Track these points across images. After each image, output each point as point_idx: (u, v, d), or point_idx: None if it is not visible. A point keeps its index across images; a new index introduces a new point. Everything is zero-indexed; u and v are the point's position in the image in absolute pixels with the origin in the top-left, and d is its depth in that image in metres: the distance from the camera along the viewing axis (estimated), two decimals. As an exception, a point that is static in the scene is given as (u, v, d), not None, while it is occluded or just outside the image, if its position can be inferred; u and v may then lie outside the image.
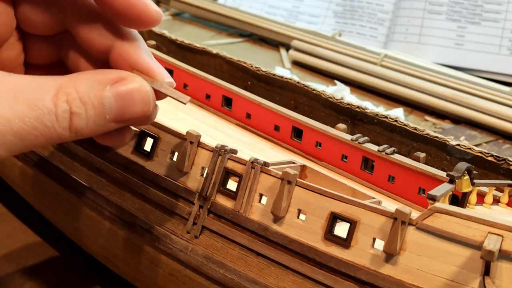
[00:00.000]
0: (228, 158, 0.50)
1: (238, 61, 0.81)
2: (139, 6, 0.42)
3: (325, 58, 1.33)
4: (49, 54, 0.48)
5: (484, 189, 0.58)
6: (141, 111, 0.42)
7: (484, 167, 0.62)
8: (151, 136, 0.54)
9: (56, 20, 0.45)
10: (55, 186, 0.61)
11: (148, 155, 0.54)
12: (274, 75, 0.78)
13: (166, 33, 0.89)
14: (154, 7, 0.43)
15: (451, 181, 0.53)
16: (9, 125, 0.37)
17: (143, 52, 0.44)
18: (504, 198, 0.59)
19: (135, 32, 0.45)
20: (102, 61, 0.46)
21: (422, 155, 0.61)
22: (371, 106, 1.13)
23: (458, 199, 0.55)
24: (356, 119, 0.71)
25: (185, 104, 0.44)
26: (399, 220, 0.42)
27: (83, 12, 0.45)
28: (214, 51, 0.84)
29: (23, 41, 0.47)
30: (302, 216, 0.47)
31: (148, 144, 0.55)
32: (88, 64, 0.48)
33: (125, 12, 0.42)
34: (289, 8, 1.64)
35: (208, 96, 0.77)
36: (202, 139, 0.52)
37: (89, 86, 0.40)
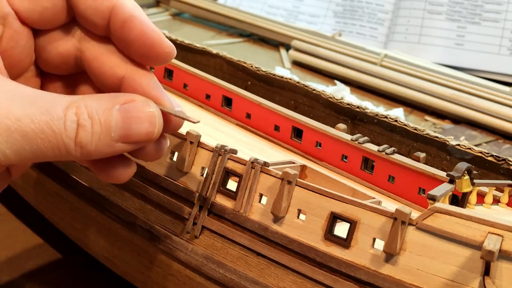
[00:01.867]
0: (228, 158, 0.50)
1: (238, 61, 0.81)
2: (153, 36, 0.44)
3: (325, 58, 1.33)
4: (63, 92, 0.49)
5: (484, 189, 0.58)
6: (146, 131, 0.43)
7: (484, 167, 0.62)
8: (151, 136, 0.54)
9: (72, 50, 0.47)
10: (56, 186, 0.61)
11: (148, 155, 0.54)
12: (274, 75, 0.78)
13: (166, 33, 0.89)
14: (168, 41, 0.44)
15: (451, 181, 0.53)
16: (18, 123, 0.38)
17: (155, 83, 0.45)
18: (504, 198, 0.59)
19: (155, 79, 0.46)
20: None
21: (422, 155, 0.61)
22: (371, 106, 1.13)
23: (458, 199, 0.55)
24: (356, 119, 0.71)
25: (195, 123, 0.45)
26: (399, 220, 0.42)
27: (99, 44, 0.46)
28: (214, 51, 0.84)
29: (40, 79, 0.48)
30: (302, 216, 0.47)
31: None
32: None
33: (139, 41, 0.44)
34: (289, 8, 1.64)
35: (208, 96, 0.77)
36: (202, 139, 0.52)
37: (99, 104, 0.41)
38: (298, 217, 0.47)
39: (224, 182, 0.50)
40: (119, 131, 0.42)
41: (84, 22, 0.46)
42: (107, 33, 0.45)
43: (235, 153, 0.51)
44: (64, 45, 0.46)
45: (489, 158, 0.62)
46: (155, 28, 0.44)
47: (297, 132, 0.69)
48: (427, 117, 1.17)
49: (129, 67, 0.45)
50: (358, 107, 0.71)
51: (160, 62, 0.45)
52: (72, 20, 0.46)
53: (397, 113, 1.14)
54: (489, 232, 0.40)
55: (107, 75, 0.46)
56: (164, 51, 0.44)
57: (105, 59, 0.46)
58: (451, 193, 0.53)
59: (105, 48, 0.46)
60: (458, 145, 0.64)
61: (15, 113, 0.38)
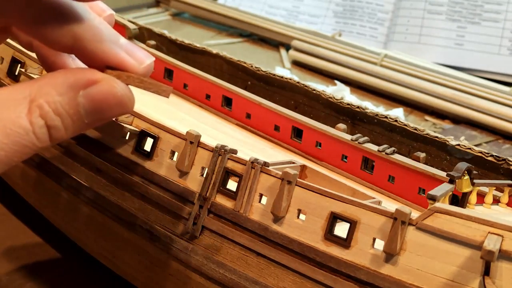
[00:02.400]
0: (228, 158, 0.50)
1: (238, 61, 0.81)
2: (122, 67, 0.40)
3: (325, 58, 1.33)
4: None
5: (484, 189, 0.58)
6: (119, 113, 0.41)
7: (484, 167, 0.62)
8: (151, 136, 0.54)
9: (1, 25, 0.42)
10: (55, 186, 0.61)
11: (148, 155, 0.54)
12: (274, 75, 0.78)
13: (166, 33, 0.89)
14: (139, 65, 0.40)
15: (451, 181, 0.53)
16: None
17: (109, 44, 0.40)
18: (504, 198, 0.59)
19: (98, 20, 0.41)
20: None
21: (422, 155, 0.61)
22: (371, 106, 1.13)
23: (458, 199, 0.55)
24: (356, 119, 0.71)
25: (167, 97, 0.42)
26: (399, 220, 0.42)
27: (32, 14, 0.40)
28: (214, 51, 0.84)
29: None
30: (302, 216, 0.47)
31: (148, 144, 0.55)
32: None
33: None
34: (289, 8, 1.64)
35: (208, 96, 0.77)
36: (202, 139, 0.52)
37: (60, 95, 0.38)
38: (298, 217, 0.47)
39: (224, 182, 0.50)
40: (91, 116, 0.40)
41: None
42: None
43: (235, 153, 0.51)
44: None
45: (489, 158, 0.62)
46: (122, 55, 0.40)
47: (297, 132, 0.69)
48: (427, 117, 1.17)
49: (74, 32, 0.40)
50: (358, 107, 0.71)
51: None
52: None
53: (397, 113, 1.14)
54: (489, 232, 0.40)
55: (54, 46, 0.41)
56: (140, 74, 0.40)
57: (44, 31, 0.40)
58: (451, 193, 0.53)
59: (39, 16, 0.40)
60: (458, 145, 0.64)
61: None
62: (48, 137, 0.38)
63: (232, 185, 0.50)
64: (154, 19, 1.63)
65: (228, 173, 0.50)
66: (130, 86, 0.41)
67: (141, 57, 0.41)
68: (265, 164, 0.49)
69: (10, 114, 0.37)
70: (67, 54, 0.46)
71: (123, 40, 0.41)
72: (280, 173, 0.48)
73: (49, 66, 0.46)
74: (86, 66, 0.42)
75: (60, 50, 0.41)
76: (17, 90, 0.38)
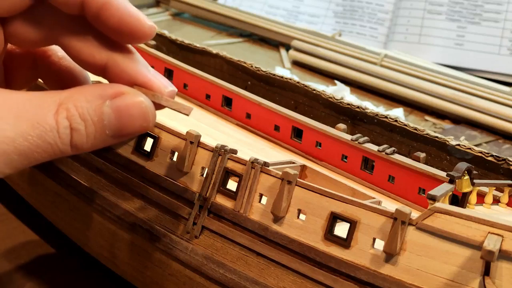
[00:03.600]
0: (228, 158, 0.50)
1: (238, 61, 0.81)
2: (131, 21, 0.41)
3: (325, 58, 1.33)
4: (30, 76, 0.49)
5: (484, 189, 0.58)
6: (140, 126, 0.42)
7: (484, 167, 0.62)
8: (151, 136, 0.54)
9: (46, 37, 0.44)
10: (55, 186, 0.61)
11: (148, 155, 0.54)
12: (274, 75, 0.78)
13: (166, 33, 0.89)
14: (147, 21, 0.42)
15: (451, 181, 0.53)
16: (13, 144, 0.38)
17: (140, 65, 0.44)
18: (504, 198, 0.59)
19: (131, 46, 0.44)
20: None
21: (422, 155, 0.61)
22: (371, 106, 1.13)
23: (458, 199, 0.55)
24: (356, 119, 0.71)
25: (187, 115, 0.44)
26: (399, 220, 0.42)
27: (74, 29, 0.44)
28: (214, 51, 0.84)
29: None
30: (302, 216, 0.47)
31: (148, 144, 0.55)
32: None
33: (118, 28, 0.42)
34: (289, 8, 1.64)
35: (208, 96, 0.77)
36: (202, 139, 0.52)
37: (88, 101, 0.40)
38: (298, 217, 0.47)
39: (224, 182, 0.50)
40: (114, 128, 0.41)
41: (54, 2, 0.42)
42: (82, 13, 0.42)
43: (235, 153, 0.51)
44: (35, 33, 0.44)
45: (489, 158, 0.62)
46: (133, 9, 0.42)
47: (297, 132, 0.69)
48: (427, 117, 1.17)
49: (110, 51, 0.43)
50: (358, 107, 0.71)
51: (141, 41, 0.44)
52: (41, 4, 0.43)
53: (397, 113, 1.14)
54: (489, 232, 0.40)
55: (88, 61, 0.44)
56: (144, 32, 0.42)
57: (83, 46, 0.44)
58: (451, 193, 0.53)
59: (81, 32, 0.43)
60: (458, 145, 0.64)
61: (7, 133, 0.38)
62: (70, 140, 0.40)
63: (232, 185, 0.50)
64: (154, 19, 1.63)
65: (228, 173, 0.50)
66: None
67: (165, 82, 0.44)
68: (265, 164, 0.49)
69: (39, 111, 0.39)
70: (85, 78, 0.48)
71: (151, 68, 0.44)
72: (280, 173, 0.48)
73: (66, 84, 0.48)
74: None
75: (93, 67, 0.44)
76: (48, 94, 0.40)
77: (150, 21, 0.42)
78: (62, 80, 0.48)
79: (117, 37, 0.43)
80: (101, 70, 0.44)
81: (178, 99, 0.78)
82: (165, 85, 0.44)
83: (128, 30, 0.42)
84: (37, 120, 0.39)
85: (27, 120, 0.38)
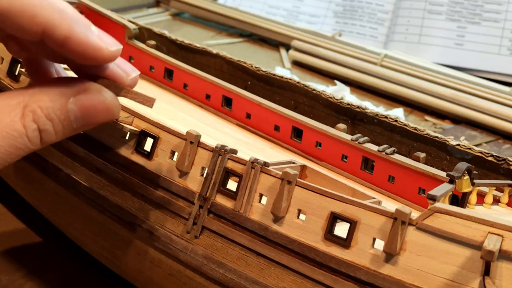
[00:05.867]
0: (228, 158, 0.50)
1: (238, 61, 0.81)
2: (93, 52, 0.42)
3: (325, 58, 1.33)
4: None
5: (484, 189, 0.58)
6: (106, 119, 0.44)
7: (484, 167, 0.62)
8: (151, 136, 0.54)
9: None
10: (55, 186, 0.61)
11: (148, 155, 0.54)
12: (274, 75, 0.78)
13: (166, 33, 0.89)
14: (108, 48, 0.43)
15: (451, 181, 0.53)
16: None
17: (84, 29, 0.43)
18: (504, 198, 0.59)
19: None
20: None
21: (422, 155, 0.61)
22: (371, 106, 1.13)
23: (458, 199, 0.55)
24: (356, 119, 0.71)
25: (151, 107, 0.46)
26: (399, 220, 0.42)
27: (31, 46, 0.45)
28: (214, 51, 0.84)
29: None
30: (302, 216, 0.47)
31: (148, 144, 0.55)
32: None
33: (81, 58, 0.42)
34: (289, 8, 1.64)
35: (208, 96, 0.77)
36: (202, 139, 0.52)
37: (52, 101, 0.41)
38: (298, 217, 0.47)
39: (224, 182, 0.50)
40: (80, 122, 0.43)
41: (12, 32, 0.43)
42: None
43: (235, 153, 0.51)
44: None
45: (489, 158, 0.62)
46: (93, 39, 0.42)
47: (297, 132, 0.69)
48: (427, 117, 1.17)
49: (44, 16, 0.42)
50: (358, 107, 0.71)
51: (105, 63, 0.44)
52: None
53: (397, 113, 1.14)
54: (489, 232, 0.40)
55: (48, 62, 0.46)
56: (107, 58, 0.43)
57: (43, 49, 0.44)
58: (451, 193, 0.53)
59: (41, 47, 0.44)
60: (458, 145, 0.64)
61: None
62: (40, 140, 0.41)
63: (232, 185, 0.50)
64: (154, 19, 1.63)
65: (228, 173, 0.50)
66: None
67: (128, 69, 0.45)
68: (265, 164, 0.49)
69: (5, 118, 0.40)
70: (51, 64, 0.49)
71: (106, 36, 0.43)
72: (280, 173, 0.48)
73: (34, 74, 0.49)
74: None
75: (29, 37, 0.42)
76: (12, 96, 0.41)
77: (114, 44, 0.43)
78: (32, 62, 0.49)
79: (81, 62, 0.43)
80: (64, 61, 0.45)
81: (178, 99, 0.79)
82: (128, 72, 0.45)
83: (90, 60, 0.42)
84: (5, 129, 0.40)
85: None
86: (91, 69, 0.44)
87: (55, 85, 0.42)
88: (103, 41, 0.43)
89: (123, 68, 0.45)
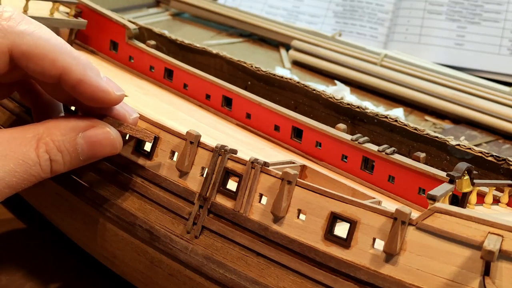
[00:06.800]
0: (228, 158, 0.50)
1: (238, 61, 0.81)
2: (102, 95, 0.48)
3: (325, 58, 1.33)
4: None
5: (484, 189, 0.58)
6: (109, 152, 0.50)
7: (484, 167, 0.62)
8: (151, 136, 0.54)
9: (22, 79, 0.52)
10: (55, 186, 0.61)
11: (148, 155, 0.54)
12: (274, 75, 0.78)
13: (166, 33, 0.89)
14: (115, 92, 0.49)
15: (451, 181, 0.53)
16: (3, 181, 0.45)
17: (96, 76, 0.49)
18: (504, 198, 0.59)
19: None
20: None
21: (422, 155, 0.61)
22: (371, 106, 1.13)
23: (458, 199, 0.55)
24: (356, 119, 0.71)
25: (150, 142, 0.52)
26: (399, 220, 0.42)
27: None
28: (214, 51, 0.84)
29: None
30: (302, 216, 0.47)
31: (148, 144, 0.55)
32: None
33: (91, 100, 0.48)
34: (289, 8, 1.64)
35: (208, 96, 0.77)
36: (202, 139, 0.52)
37: (63, 135, 0.47)
38: (298, 217, 0.47)
39: (224, 182, 0.50)
40: (86, 155, 0.49)
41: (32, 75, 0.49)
42: (58, 84, 0.49)
43: (235, 153, 0.51)
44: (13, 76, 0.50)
45: (489, 158, 0.62)
46: (102, 84, 0.48)
47: (297, 132, 0.69)
48: (427, 117, 1.17)
49: (62, 61, 0.48)
50: (358, 107, 0.71)
51: (111, 106, 0.50)
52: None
53: (397, 113, 1.14)
54: (489, 232, 0.40)
55: (61, 100, 0.53)
56: (113, 102, 0.49)
57: (56, 91, 0.51)
58: (451, 193, 0.53)
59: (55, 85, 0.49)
60: (458, 145, 0.64)
61: None
62: (50, 169, 0.47)
63: (232, 185, 0.50)
64: (154, 19, 1.63)
65: (228, 173, 0.50)
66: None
67: (130, 111, 0.52)
68: (265, 164, 0.49)
69: (22, 149, 0.46)
70: (54, 106, 0.55)
71: (112, 82, 0.50)
72: (280, 173, 0.48)
73: (38, 115, 0.55)
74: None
75: (48, 79, 0.48)
76: (27, 129, 0.47)
77: (119, 89, 0.49)
78: (39, 103, 0.55)
79: (89, 104, 0.49)
80: (74, 102, 0.52)
81: (178, 99, 0.79)
82: (130, 113, 0.51)
83: (99, 101, 0.48)
84: (22, 158, 0.45)
85: (13, 159, 0.45)
86: (98, 110, 0.50)
87: (66, 120, 0.48)
88: (110, 86, 0.48)
89: (125, 109, 0.51)
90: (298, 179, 0.47)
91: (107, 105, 0.49)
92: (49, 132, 0.47)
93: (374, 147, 0.63)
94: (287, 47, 1.42)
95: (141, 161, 0.54)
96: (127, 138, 0.54)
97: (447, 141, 0.65)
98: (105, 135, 0.49)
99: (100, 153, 0.49)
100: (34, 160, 0.46)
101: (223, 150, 0.50)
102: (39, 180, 0.47)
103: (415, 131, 0.67)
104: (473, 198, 0.57)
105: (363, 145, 0.63)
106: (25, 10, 0.77)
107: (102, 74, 0.49)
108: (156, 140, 0.54)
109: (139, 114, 0.55)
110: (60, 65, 0.47)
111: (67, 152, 0.47)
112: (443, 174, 0.58)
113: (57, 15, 0.82)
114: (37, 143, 0.46)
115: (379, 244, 0.44)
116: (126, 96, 0.50)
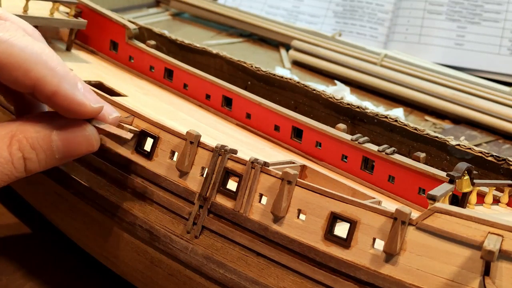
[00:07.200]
0: (228, 158, 0.50)
1: (238, 61, 0.81)
2: (77, 108, 0.46)
3: (325, 58, 1.33)
4: None
5: (484, 189, 0.58)
6: (86, 151, 0.49)
7: (484, 167, 0.62)
8: (151, 136, 0.54)
9: None
10: (56, 186, 0.61)
11: (148, 155, 0.54)
12: (274, 75, 0.78)
13: (166, 33, 0.89)
14: (91, 105, 0.47)
15: (451, 181, 0.53)
16: None
17: (71, 87, 0.47)
18: (504, 198, 0.59)
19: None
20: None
21: (422, 155, 0.61)
22: (371, 106, 1.13)
23: (458, 199, 0.55)
24: (356, 119, 0.71)
25: (128, 139, 0.51)
26: (399, 220, 0.42)
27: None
28: (214, 51, 0.84)
29: None
30: (302, 216, 0.47)
31: (148, 144, 0.55)
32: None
33: (66, 111, 0.47)
34: (289, 8, 1.64)
35: (208, 96, 0.77)
36: (202, 139, 0.52)
37: (37, 132, 0.45)
38: (298, 217, 0.47)
39: (224, 182, 0.50)
40: (62, 152, 0.47)
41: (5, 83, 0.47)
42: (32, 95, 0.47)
43: (235, 153, 0.51)
44: None
45: (489, 158, 0.62)
46: (78, 96, 0.46)
47: (297, 132, 0.69)
48: (427, 117, 1.17)
49: (38, 72, 0.46)
50: (358, 107, 0.71)
51: (88, 118, 0.49)
52: None
53: (397, 113, 1.14)
54: (489, 232, 0.40)
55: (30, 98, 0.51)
56: (89, 114, 0.47)
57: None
58: (451, 193, 0.53)
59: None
60: (458, 145, 0.64)
61: None
62: (24, 168, 0.45)
63: (232, 185, 0.50)
64: (154, 19, 1.63)
65: (228, 173, 0.50)
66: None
67: (111, 110, 0.50)
68: (265, 164, 0.49)
69: None
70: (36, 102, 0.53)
71: (90, 93, 0.48)
72: (280, 173, 0.48)
73: (20, 110, 0.53)
74: None
75: (21, 89, 0.47)
76: (1, 127, 0.45)
77: (98, 101, 0.48)
78: (21, 102, 0.53)
79: (65, 115, 0.47)
80: (49, 99, 0.49)
81: (178, 99, 0.79)
82: (109, 113, 0.50)
83: (74, 114, 0.47)
84: None
85: None
86: (61, 101, 0.47)
87: (41, 118, 0.47)
88: (87, 98, 0.47)
89: (105, 109, 0.49)
90: (298, 179, 0.47)
91: (83, 117, 0.48)
92: (22, 129, 0.45)
93: (374, 147, 0.63)
94: (287, 47, 1.42)
95: (141, 161, 0.54)
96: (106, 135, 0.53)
97: (447, 141, 0.65)
98: (81, 132, 0.48)
99: (76, 151, 0.48)
100: (6, 158, 0.44)
101: (223, 150, 0.50)
102: (13, 180, 0.45)
103: (415, 131, 0.67)
104: (473, 198, 0.57)
105: (363, 145, 0.63)
106: (25, 10, 0.77)
107: (80, 84, 0.47)
108: (156, 140, 0.54)
109: (139, 114, 0.55)
110: (34, 76, 0.45)
111: (42, 150, 0.46)
112: (443, 174, 0.58)
113: (57, 15, 0.82)
114: (10, 140, 0.44)
115: (379, 244, 0.44)
116: (102, 107, 0.49)
